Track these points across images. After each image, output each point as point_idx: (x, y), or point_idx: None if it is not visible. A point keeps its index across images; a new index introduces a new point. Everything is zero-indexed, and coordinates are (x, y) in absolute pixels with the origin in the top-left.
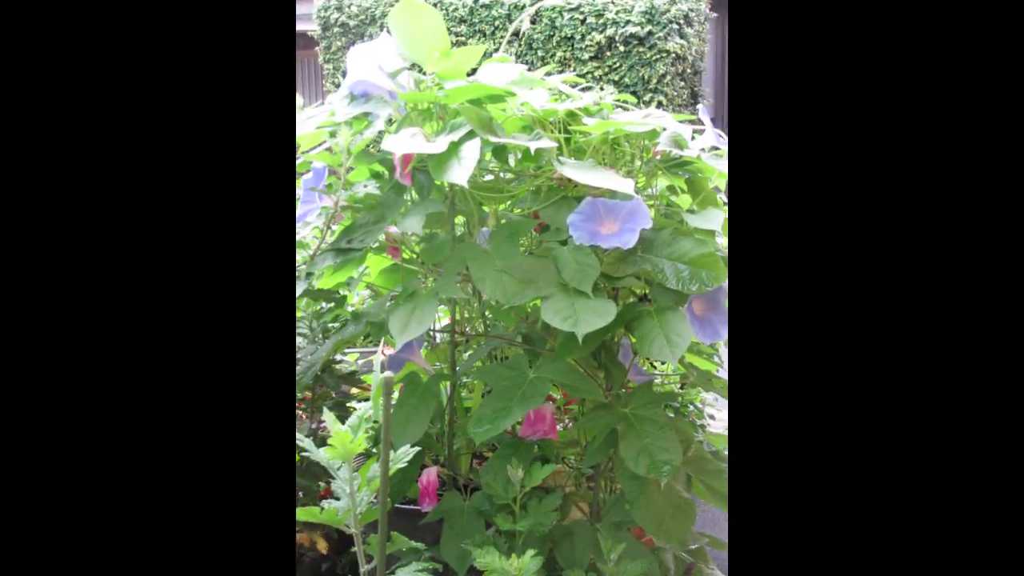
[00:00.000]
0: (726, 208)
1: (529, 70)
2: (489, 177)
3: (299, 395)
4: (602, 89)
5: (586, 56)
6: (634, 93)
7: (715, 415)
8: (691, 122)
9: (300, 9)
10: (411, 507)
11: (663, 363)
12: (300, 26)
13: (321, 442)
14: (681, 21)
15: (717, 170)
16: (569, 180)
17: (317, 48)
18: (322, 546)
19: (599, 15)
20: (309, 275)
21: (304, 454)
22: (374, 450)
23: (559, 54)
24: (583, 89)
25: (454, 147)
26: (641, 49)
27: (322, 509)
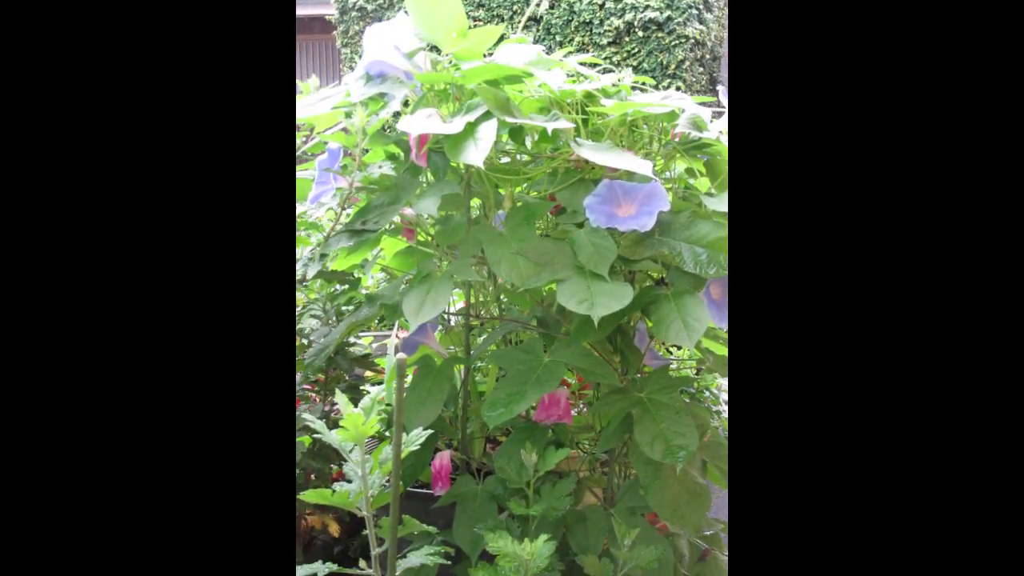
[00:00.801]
0: None
1: (547, 55)
2: (505, 159)
3: (312, 377)
4: (621, 71)
5: (604, 41)
6: (652, 78)
7: None
8: (710, 104)
9: None
10: (424, 491)
11: (679, 348)
12: (318, 10)
13: (333, 424)
14: (700, 6)
15: None
16: (586, 162)
17: (335, 32)
18: (334, 529)
19: (618, 0)
20: (323, 256)
21: (316, 436)
22: (387, 433)
23: (577, 39)
24: (603, 71)
25: (470, 128)
26: (660, 34)
27: (334, 491)
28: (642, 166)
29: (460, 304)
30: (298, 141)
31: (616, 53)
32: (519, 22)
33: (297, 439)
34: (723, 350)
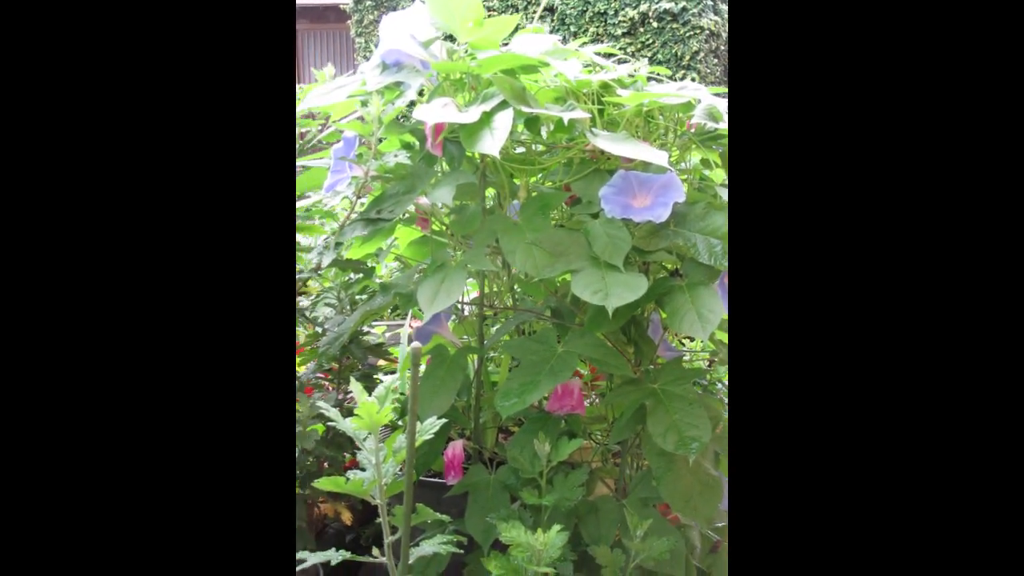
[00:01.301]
0: None
1: (562, 45)
2: (521, 149)
3: (326, 365)
4: (637, 62)
5: (619, 32)
6: (667, 69)
7: None
8: (724, 96)
9: None
10: (436, 480)
11: (693, 339)
12: None
13: (347, 412)
14: None
15: None
16: (602, 152)
17: (349, 21)
18: (347, 517)
19: None
20: (338, 245)
21: (330, 424)
22: (400, 422)
23: (592, 29)
24: (619, 61)
25: (486, 117)
26: (675, 25)
27: (347, 479)
28: (658, 157)
29: (474, 294)
30: (314, 129)
31: (631, 44)
32: (534, 12)
33: (311, 427)
34: None
